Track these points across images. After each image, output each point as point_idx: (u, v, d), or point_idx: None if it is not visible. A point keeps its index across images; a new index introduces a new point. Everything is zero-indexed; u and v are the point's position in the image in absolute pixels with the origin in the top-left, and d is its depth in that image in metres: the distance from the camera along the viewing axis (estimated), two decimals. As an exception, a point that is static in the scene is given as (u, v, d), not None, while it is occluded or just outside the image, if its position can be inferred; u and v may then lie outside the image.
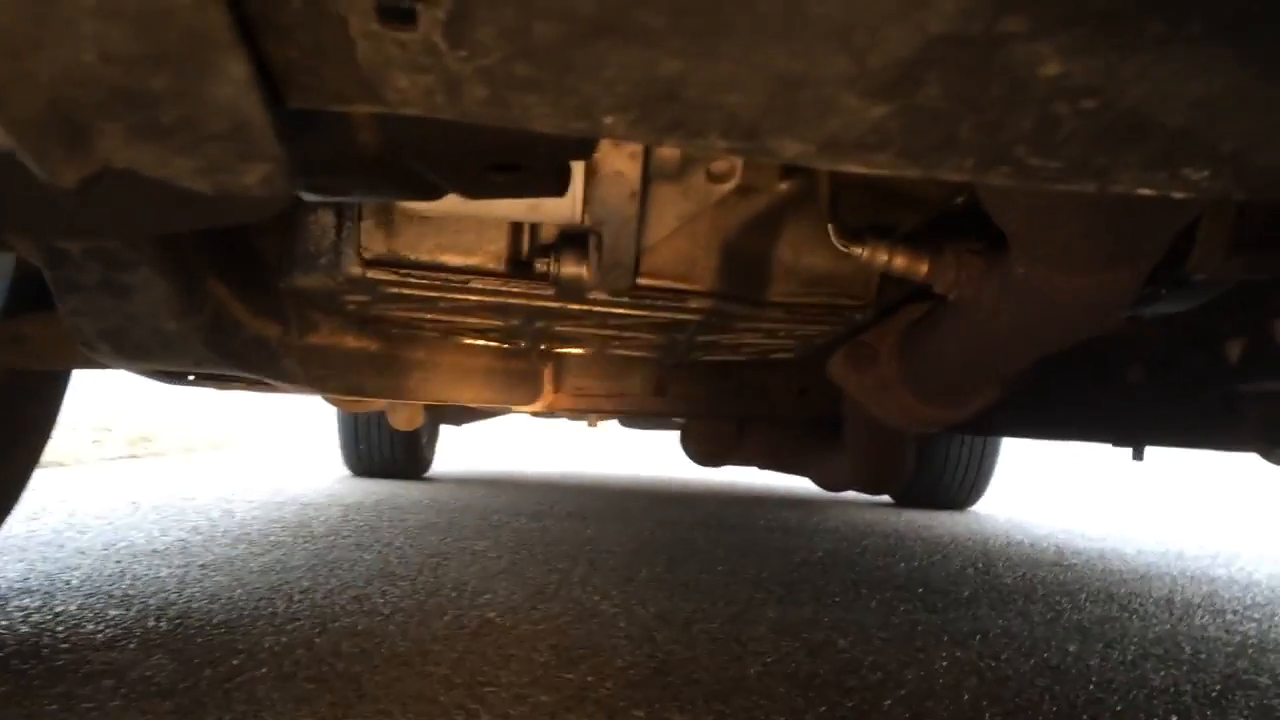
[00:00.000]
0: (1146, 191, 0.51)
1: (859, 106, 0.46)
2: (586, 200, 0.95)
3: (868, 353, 1.44)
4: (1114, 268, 0.89)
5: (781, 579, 2.70)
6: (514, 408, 2.01)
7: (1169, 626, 2.30)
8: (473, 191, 0.71)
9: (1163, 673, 1.84)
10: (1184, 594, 2.80)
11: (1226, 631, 2.29)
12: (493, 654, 1.73)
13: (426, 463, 5.62)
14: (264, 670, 1.56)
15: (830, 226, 1.16)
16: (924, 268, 1.15)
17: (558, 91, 0.48)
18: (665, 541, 3.36)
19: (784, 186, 1.19)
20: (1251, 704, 1.68)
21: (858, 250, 1.15)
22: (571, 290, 1.19)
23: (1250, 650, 2.08)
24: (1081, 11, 0.41)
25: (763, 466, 2.30)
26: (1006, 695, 1.64)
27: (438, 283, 1.20)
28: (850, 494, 6.22)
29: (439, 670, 1.61)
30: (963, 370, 1.29)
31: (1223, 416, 1.77)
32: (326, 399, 2.59)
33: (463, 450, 8.59)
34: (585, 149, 0.73)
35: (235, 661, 1.61)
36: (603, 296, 1.22)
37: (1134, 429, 1.78)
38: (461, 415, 5.69)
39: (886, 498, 5.66)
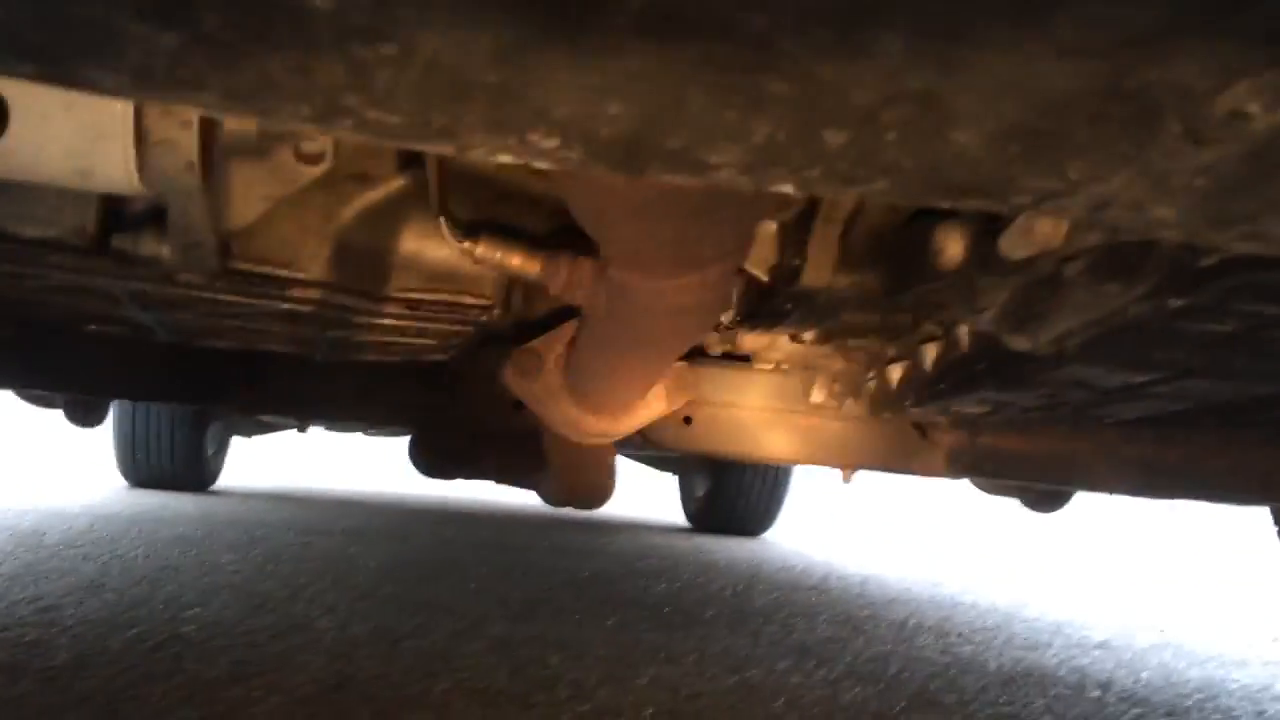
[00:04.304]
0: (506, 158, 0.49)
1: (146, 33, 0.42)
2: (141, 169, 0.89)
3: (535, 361, 1.42)
4: (684, 271, 0.89)
5: (530, 597, 2.66)
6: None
7: (889, 647, 2.37)
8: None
9: (856, 690, 1.88)
10: (920, 618, 2.89)
11: (942, 653, 2.36)
12: (160, 669, 1.62)
13: (213, 474, 5.37)
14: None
15: (442, 220, 1.13)
16: (537, 268, 1.13)
17: None
18: (431, 561, 3.28)
19: (402, 180, 1.16)
20: (929, 721, 1.73)
21: (468, 245, 1.13)
22: (156, 271, 1.12)
23: (952, 672, 2.15)
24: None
25: (497, 480, 2.26)
26: (688, 711, 1.64)
27: (10, 255, 1.10)
28: (649, 517, 6.27)
29: (87, 685, 1.50)
30: (605, 378, 1.29)
31: (915, 442, 1.83)
32: None
33: (270, 464, 8.27)
34: None
35: None
36: (197, 280, 1.16)
37: (835, 452, 1.82)
38: (253, 426, 5.46)
39: (684, 521, 5.71)
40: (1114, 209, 0.52)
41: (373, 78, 0.44)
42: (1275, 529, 2.26)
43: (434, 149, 0.48)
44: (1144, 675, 2.36)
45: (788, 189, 0.51)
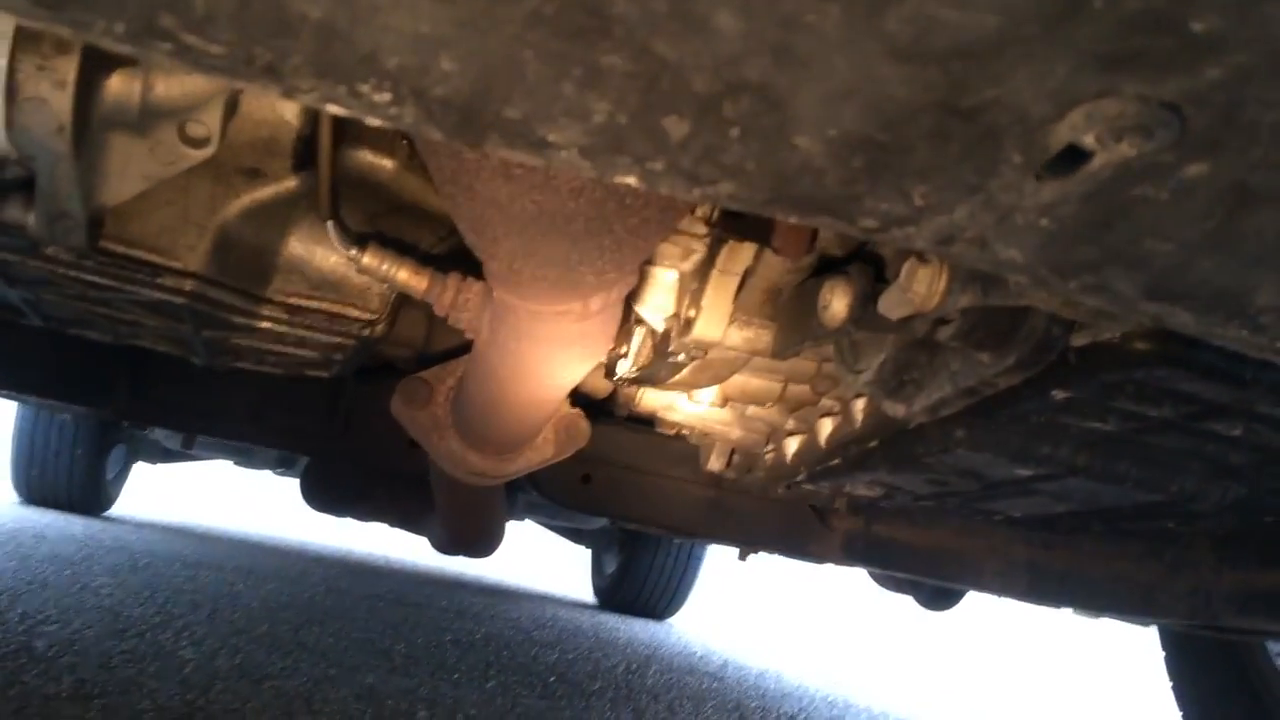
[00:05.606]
0: (336, 109, 0.47)
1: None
2: (10, 126, 0.85)
3: (424, 390, 1.39)
4: (565, 297, 0.87)
5: (414, 653, 2.57)
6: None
7: (772, 739, 2.32)
8: None
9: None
10: (810, 714, 2.84)
11: (825, 749, 2.32)
12: (-4, 682, 1.52)
13: (110, 499, 5.17)
14: None
15: (330, 224, 1.11)
16: (424, 284, 1.11)
17: None
18: (319, 606, 3.16)
19: (295, 180, 1.13)
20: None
21: (355, 253, 1.10)
22: (20, 241, 1.07)
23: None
24: None
25: (388, 523, 2.19)
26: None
27: None
28: (555, 591, 6.15)
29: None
30: (489, 412, 1.25)
31: (813, 527, 1.81)
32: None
33: (175, 497, 8.01)
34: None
35: None
36: (64, 255, 1.11)
37: (731, 528, 1.80)
38: (158, 453, 5.29)
39: (591, 599, 5.61)
40: (960, 244, 0.51)
41: (191, 6, 0.42)
42: (1162, 654, 2.27)
43: (260, 89, 0.46)
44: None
45: (631, 180, 0.49)
